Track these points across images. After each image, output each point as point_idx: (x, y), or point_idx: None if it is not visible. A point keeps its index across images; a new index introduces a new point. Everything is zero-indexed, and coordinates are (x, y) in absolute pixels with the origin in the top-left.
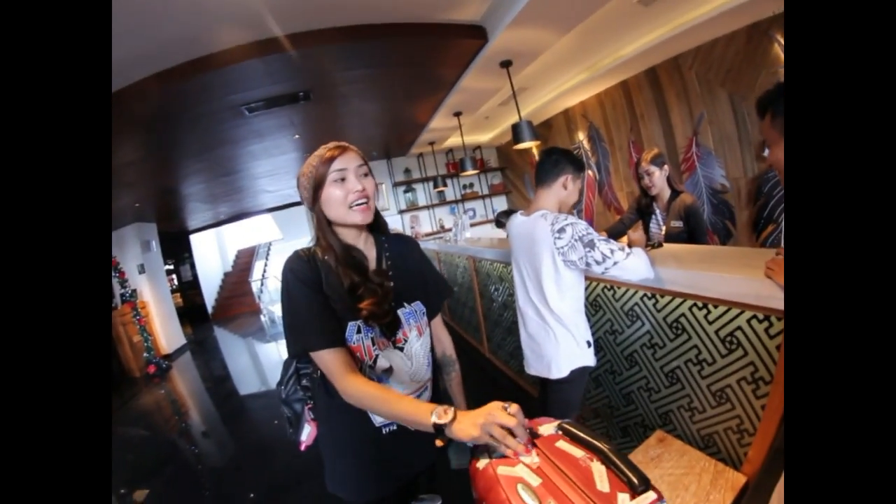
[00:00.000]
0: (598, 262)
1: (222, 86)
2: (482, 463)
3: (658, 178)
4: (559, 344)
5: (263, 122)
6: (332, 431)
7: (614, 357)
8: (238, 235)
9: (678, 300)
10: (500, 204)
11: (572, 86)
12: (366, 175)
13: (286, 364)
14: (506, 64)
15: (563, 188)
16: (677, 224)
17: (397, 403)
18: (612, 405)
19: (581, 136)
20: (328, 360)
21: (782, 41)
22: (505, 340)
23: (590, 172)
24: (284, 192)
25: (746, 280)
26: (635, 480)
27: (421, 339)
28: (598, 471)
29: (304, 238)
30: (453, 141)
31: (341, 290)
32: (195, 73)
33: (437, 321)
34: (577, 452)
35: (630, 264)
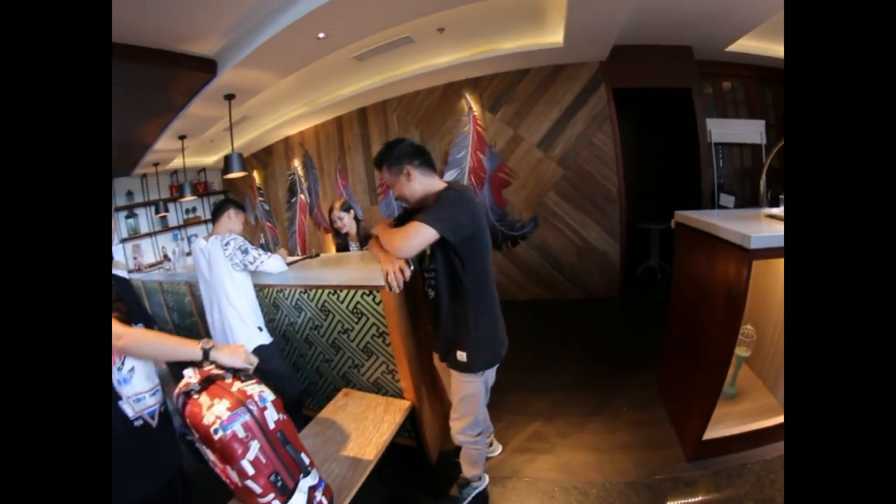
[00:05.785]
0: (251, 263)
1: None
2: None
3: (348, 221)
4: (237, 331)
5: None
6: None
7: (298, 343)
8: None
9: (320, 291)
10: None
11: (293, 117)
12: None
13: None
14: (229, 97)
15: (229, 219)
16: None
17: None
18: (313, 381)
19: (297, 163)
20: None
21: (469, 98)
22: None
23: (302, 197)
24: None
25: (355, 271)
26: None
27: None
28: None
29: None
30: (179, 162)
31: None
32: None
33: None
34: None
35: (269, 263)
